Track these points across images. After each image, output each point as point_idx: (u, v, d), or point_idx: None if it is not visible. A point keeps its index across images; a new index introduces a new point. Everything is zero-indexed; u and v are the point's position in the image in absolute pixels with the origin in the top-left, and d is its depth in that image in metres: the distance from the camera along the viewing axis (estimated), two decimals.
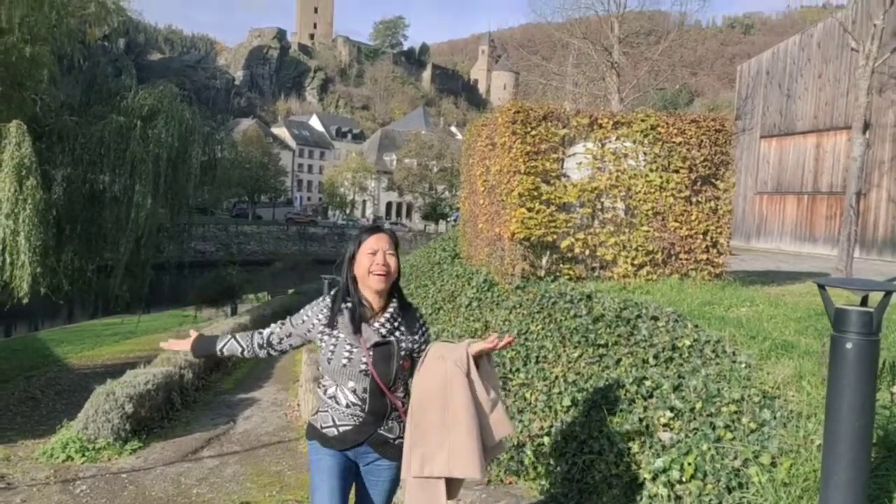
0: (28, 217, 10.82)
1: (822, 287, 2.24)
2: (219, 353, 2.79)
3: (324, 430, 2.61)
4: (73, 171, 13.02)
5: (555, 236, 7.09)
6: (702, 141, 7.10)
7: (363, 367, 2.53)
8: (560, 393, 4.12)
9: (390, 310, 2.62)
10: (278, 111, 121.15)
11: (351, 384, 2.56)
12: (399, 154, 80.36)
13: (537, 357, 4.84)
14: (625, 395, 3.71)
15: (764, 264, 11.21)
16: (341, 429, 2.58)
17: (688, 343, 4.11)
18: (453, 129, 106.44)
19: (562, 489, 3.50)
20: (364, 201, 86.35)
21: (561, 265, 7.25)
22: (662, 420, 3.38)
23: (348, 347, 2.55)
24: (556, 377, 4.37)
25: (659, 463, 3.13)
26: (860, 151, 7.62)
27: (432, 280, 9.99)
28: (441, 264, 10.70)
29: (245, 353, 2.77)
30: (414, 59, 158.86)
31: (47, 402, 11.56)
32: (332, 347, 2.57)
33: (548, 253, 7.27)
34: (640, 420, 3.43)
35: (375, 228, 2.67)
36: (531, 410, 4.21)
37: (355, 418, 2.56)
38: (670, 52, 16.14)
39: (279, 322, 2.77)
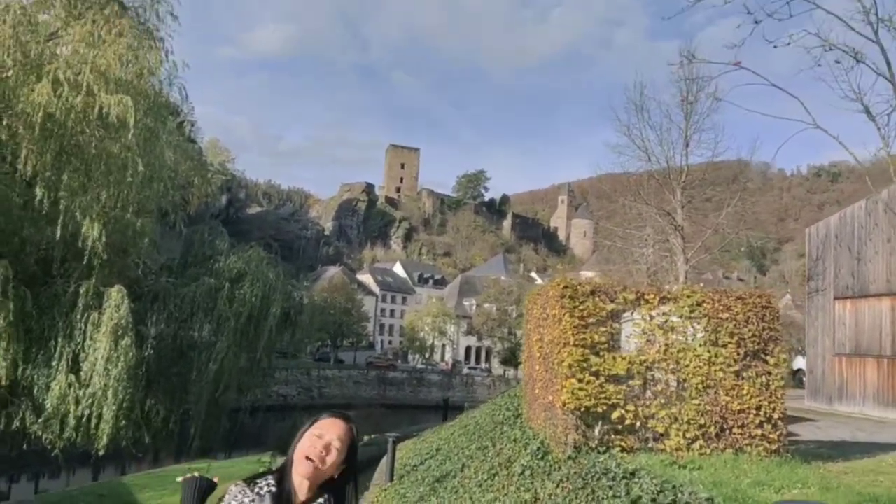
0: (118, 374, 11.82)
1: None
2: None
3: None
4: (165, 329, 14.20)
5: (605, 407, 7.26)
6: (749, 317, 7.29)
7: None
8: None
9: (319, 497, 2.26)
10: (364, 259, 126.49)
11: None
12: (479, 299, 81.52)
13: None
14: None
15: (840, 433, 10.75)
16: None
17: None
18: (533, 274, 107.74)
19: None
20: (443, 345, 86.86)
21: (613, 436, 7.35)
22: None
23: None
24: None
25: None
26: None
27: (492, 441, 10.12)
28: (503, 424, 10.84)
29: None
30: (495, 209, 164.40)
31: None
32: None
33: (600, 423, 7.42)
34: None
35: (338, 413, 2.34)
36: None
37: None
38: (739, 212, 16.46)
39: None
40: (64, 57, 12.32)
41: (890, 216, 12.55)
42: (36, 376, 12.55)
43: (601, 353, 7.36)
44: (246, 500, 2.17)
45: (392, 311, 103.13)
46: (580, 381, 7.25)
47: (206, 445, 16.52)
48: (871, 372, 13.74)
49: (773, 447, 7.14)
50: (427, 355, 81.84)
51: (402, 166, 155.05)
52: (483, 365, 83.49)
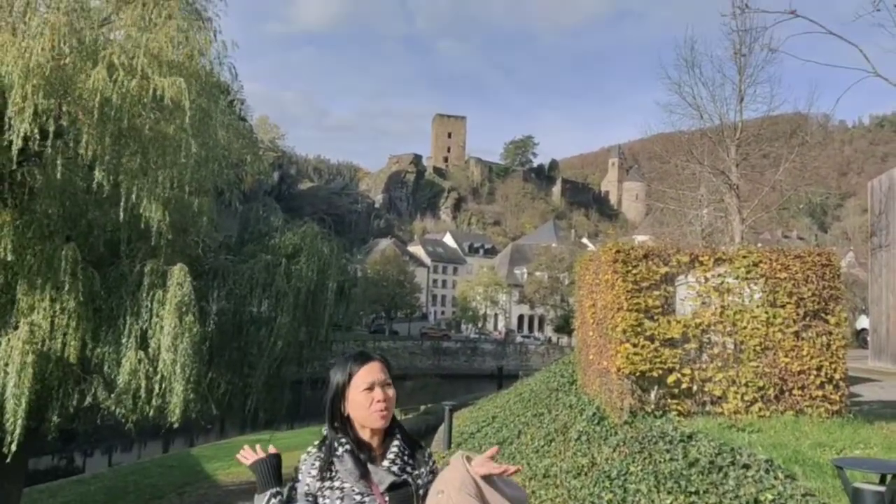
0: (185, 349, 12.25)
1: (839, 467, 2.46)
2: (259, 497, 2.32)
3: None
4: (225, 305, 14.60)
5: (661, 371, 7.23)
6: (808, 276, 7.12)
7: None
8: None
9: (395, 445, 2.24)
10: (414, 231, 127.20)
11: None
12: (530, 267, 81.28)
13: (633, 501, 5.00)
14: None
15: None
16: None
17: (770, 497, 4.17)
18: (585, 240, 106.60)
19: None
20: (496, 314, 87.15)
21: (669, 400, 7.33)
22: None
23: (358, 497, 2.12)
24: None
25: None
26: None
27: (548, 408, 10.20)
28: (558, 391, 10.90)
29: None
30: (544, 175, 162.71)
31: None
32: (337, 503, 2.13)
33: (655, 388, 7.39)
34: None
35: (364, 357, 2.28)
36: None
37: None
38: (797, 168, 15.92)
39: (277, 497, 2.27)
40: (117, 42, 12.61)
41: None
42: (106, 354, 13.07)
43: (655, 318, 7.31)
44: (315, 461, 2.18)
45: (444, 282, 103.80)
46: (635, 345, 7.23)
47: (270, 417, 17.07)
48: None
49: (835, 408, 7.00)
50: (480, 325, 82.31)
51: (449, 135, 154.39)
52: (536, 333, 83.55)
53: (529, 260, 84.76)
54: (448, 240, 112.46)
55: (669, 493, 4.80)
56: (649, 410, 7.23)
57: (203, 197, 14.52)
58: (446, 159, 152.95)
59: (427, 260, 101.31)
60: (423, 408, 27.49)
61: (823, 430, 6.55)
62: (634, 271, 7.34)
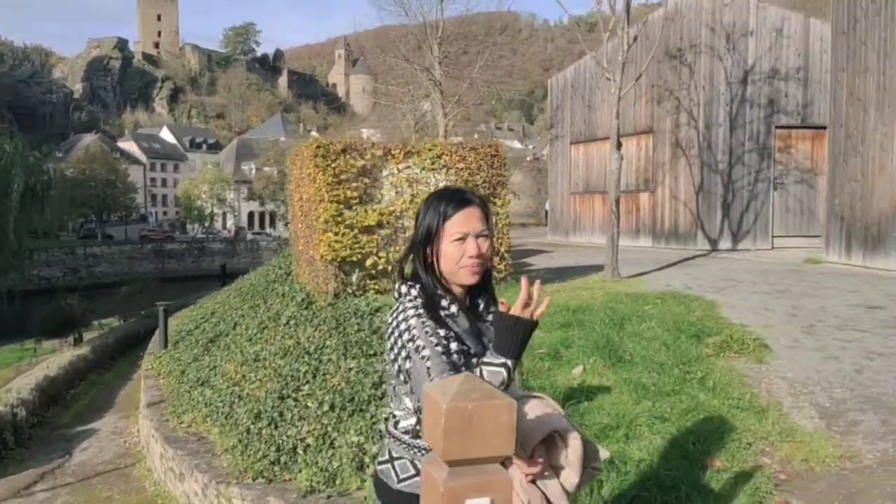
0: None
1: None
2: None
3: None
4: None
5: (360, 256, 7.94)
6: (480, 165, 8.20)
7: None
8: (329, 402, 4.95)
9: (481, 302, 1.96)
10: (125, 124, 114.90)
11: None
12: (258, 162, 78.88)
13: (324, 371, 5.65)
14: (370, 397, 4.61)
15: (567, 260, 12.65)
16: None
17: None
18: (314, 133, 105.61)
19: (320, 479, 4.33)
20: (224, 213, 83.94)
21: (368, 281, 8.11)
22: (384, 415, 4.30)
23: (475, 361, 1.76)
24: (333, 387, 5.20)
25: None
26: (617, 165, 9.03)
27: (264, 299, 10.56)
28: (275, 283, 11.27)
29: None
30: (269, 66, 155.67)
31: None
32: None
33: (357, 271, 8.11)
34: (372, 417, 4.33)
35: (461, 198, 1.88)
36: (305, 416, 5.02)
37: None
38: (492, 64, 17.45)
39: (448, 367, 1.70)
40: None
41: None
42: None
43: (354, 207, 7.92)
44: (441, 330, 1.77)
45: (164, 181, 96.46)
46: (336, 234, 7.80)
47: None
48: (598, 206, 16.07)
49: (502, 276, 8.36)
50: (207, 224, 78.77)
51: (159, 18, 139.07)
52: (269, 230, 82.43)
53: (257, 155, 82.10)
54: (165, 134, 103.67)
55: (354, 357, 5.52)
56: (350, 292, 7.95)
57: None
58: (157, 45, 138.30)
59: (142, 157, 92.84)
60: (143, 312, 26.20)
61: None
62: (333, 165, 7.79)
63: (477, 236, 1.83)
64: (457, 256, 1.82)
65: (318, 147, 7.86)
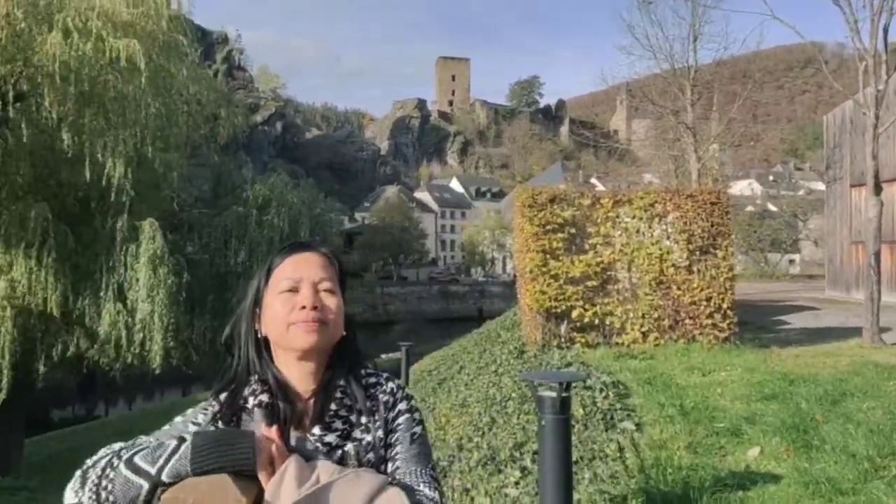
0: (161, 300, 12.94)
1: (528, 380, 3.00)
2: None
3: None
4: (202, 256, 15.25)
5: (565, 307, 7.78)
6: (699, 214, 7.55)
7: None
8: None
9: (339, 388, 1.35)
10: (420, 176, 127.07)
11: None
12: None
13: (498, 425, 5.61)
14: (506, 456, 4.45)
15: (833, 320, 10.93)
16: None
17: (582, 412, 4.75)
18: (593, 180, 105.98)
19: None
20: (503, 257, 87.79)
21: (575, 333, 7.90)
22: (512, 478, 4.09)
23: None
24: (489, 443, 5.14)
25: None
26: (875, 212, 7.67)
27: (491, 344, 10.84)
28: (503, 329, 11.53)
29: None
30: (551, 116, 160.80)
31: None
32: None
33: (564, 322, 7.96)
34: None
35: (295, 245, 1.42)
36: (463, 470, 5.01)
37: None
38: (751, 105, 15.99)
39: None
40: (72, 5, 12.90)
41: None
42: (86, 307, 13.80)
43: (560, 258, 7.81)
44: (199, 414, 1.35)
45: (452, 227, 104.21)
46: (541, 283, 7.77)
47: None
48: (885, 258, 13.61)
49: (724, 335, 7.53)
50: (487, 268, 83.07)
51: (453, 78, 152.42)
52: None
53: None
54: (455, 184, 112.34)
55: (526, 413, 5.40)
56: (556, 343, 7.81)
57: (173, 153, 15.03)
58: (451, 103, 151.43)
59: (434, 205, 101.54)
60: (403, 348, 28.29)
61: (709, 355, 7.09)
62: (540, 215, 7.81)
63: (315, 284, 1.34)
64: (285, 311, 1.31)
65: (527, 197, 7.94)
